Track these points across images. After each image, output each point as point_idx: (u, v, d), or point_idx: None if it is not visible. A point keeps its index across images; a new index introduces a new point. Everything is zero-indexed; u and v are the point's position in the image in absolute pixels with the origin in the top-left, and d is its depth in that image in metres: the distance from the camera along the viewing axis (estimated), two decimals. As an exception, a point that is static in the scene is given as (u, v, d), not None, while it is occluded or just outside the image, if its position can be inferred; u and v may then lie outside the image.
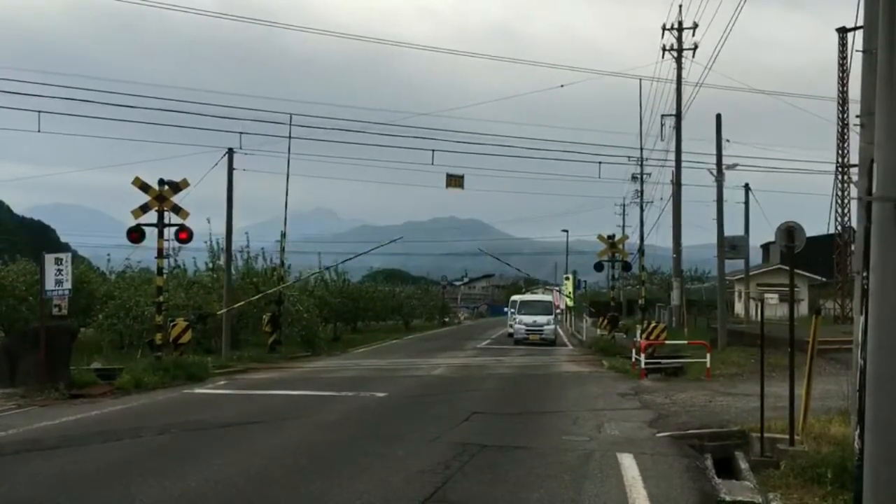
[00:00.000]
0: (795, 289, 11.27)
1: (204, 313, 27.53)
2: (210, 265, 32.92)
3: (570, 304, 58.09)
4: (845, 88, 37.72)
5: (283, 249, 31.09)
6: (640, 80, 30.73)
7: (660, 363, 20.47)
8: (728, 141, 29.94)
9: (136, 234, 20.24)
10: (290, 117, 29.01)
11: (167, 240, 20.70)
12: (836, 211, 39.66)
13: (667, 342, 23.78)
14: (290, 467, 8.68)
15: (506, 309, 55.35)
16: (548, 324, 38.05)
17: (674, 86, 34.24)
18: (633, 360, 21.31)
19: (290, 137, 28.86)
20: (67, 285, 16.64)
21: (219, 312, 27.07)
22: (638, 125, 36.90)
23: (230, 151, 28.44)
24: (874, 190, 5.45)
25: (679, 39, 33.95)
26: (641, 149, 39.77)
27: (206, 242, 32.05)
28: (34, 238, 61.11)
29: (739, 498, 7.38)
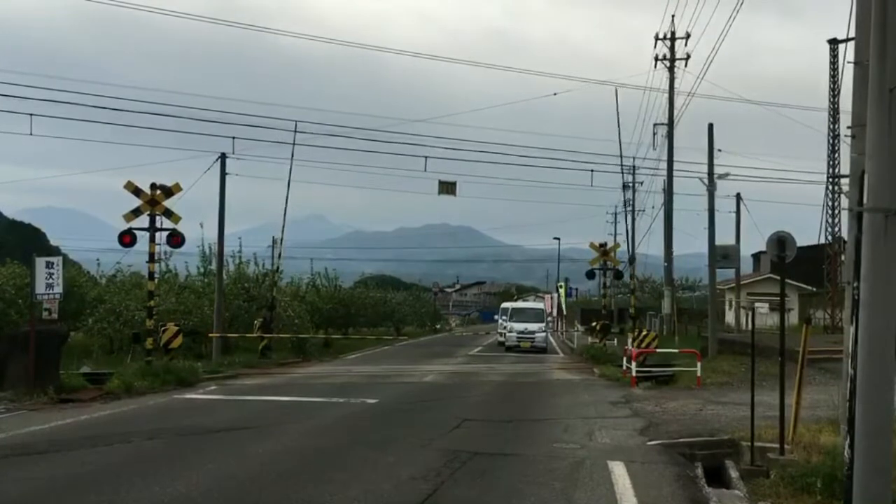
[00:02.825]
0: (786, 298, 11.32)
1: (196, 330, 27.51)
2: (201, 270, 32.86)
3: (565, 312, 58.37)
4: (836, 99, 37.93)
5: (280, 255, 31.14)
6: (617, 88, 30.20)
7: (651, 371, 20.51)
8: (720, 150, 30.04)
9: (127, 238, 20.19)
10: (296, 125, 29.06)
11: (159, 244, 20.65)
12: (827, 221, 39.84)
13: (658, 350, 23.82)
14: (281, 473, 8.66)
15: (496, 316, 55.35)
16: (539, 331, 38.09)
17: (666, 95, 34.35)
18: (625, 368, 21.34)
19: (294, 144, 28.86)
20: (59, 289, 16.57)
21: (211, 335, 27.07)
22: (632, 134, 37.08)
23: (223, 156, 28.44)
24: (865, 201, 5.49)
25: (671, 49, 34.04)
26: (631, 158, 39.92)
27: (198, 247, 32.07)
28: (24, 241, 60.65)
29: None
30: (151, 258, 20.52)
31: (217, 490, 7.83)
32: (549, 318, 52.64)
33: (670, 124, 33.56)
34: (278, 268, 31.60)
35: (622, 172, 47.56)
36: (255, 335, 28.40)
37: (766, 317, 43.82)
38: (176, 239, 20.48)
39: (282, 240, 30.44)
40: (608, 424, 12.63)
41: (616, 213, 66.05)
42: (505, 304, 48.17)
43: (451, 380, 21.71)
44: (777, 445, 9.12)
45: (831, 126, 38.48)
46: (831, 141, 38.40)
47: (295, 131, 28.81)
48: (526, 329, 37.81)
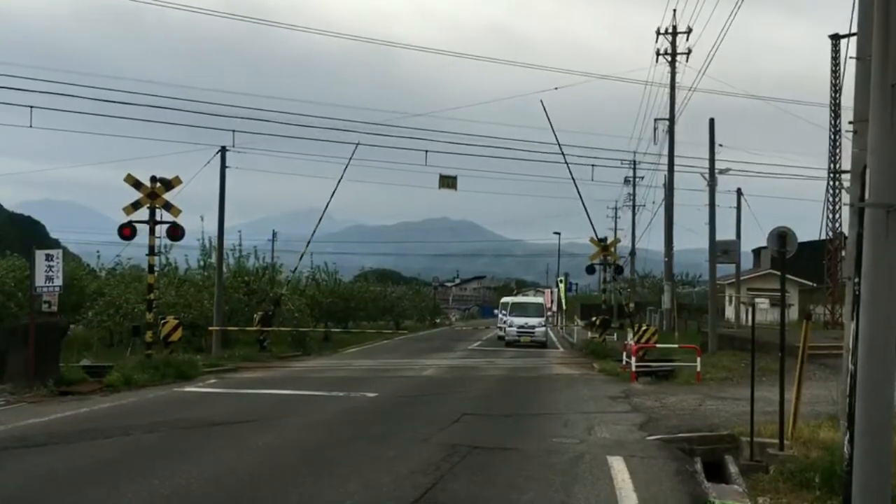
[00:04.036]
0: (786, 294, 11.31)
1: (196, 323, 27.59)
2: (201, 263, 32.88)
3: (565, 307, 58.42)
4: (838, 95, 37.86)
5: (301, 256, 31.58)
6: (543, 101, 29.44)
7: (650, 366, 20.50)
8: (721, 146, 30.03)
9: (127, 231, 20.18)
10: (356, 146, 29.54)
11: (159, 237, 20.65)
12: (828, 216, 39.83)
13: (657, 346, 23.83)
14: (280, 467, 8.66)
15: (496, 311, 55.38)
16: (539, 326, 38.11)
17: (668, 89, 34.31)
18: (624, 363, 21.34)
19: (357, 144, 29.44)
20: (58, 282, 16.56)
21: (210, 328, 27.13)
22: (632, 128, 37.04)
23: (223, 150, 28.42)
24: (866, 196, 5.47)
25: (673, 44, 34.01)
26: (634, 156, 39.88)
27: (198, 240, 32.10)
28: (23, 234, 60.69)
29: (729, 502, 7.39)
30: (151, 251, 20.52)
31: (216, 483, 7.83)
32: (549, 313, 52.66)
33: (671, 119, 33.54)
34: (295, 269, 32.08)
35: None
36: (254, 328, 28.44)
37: (766, 312, 43.85)
38: (175, 232, 20.48)
39: (308, 243, 30.91)
40: (607, 419, 12.63)
41: (617, 209, 66.01)
42: (505, 299, 48.16)
43: (450, 374, 21.72)
44: (776, 441, 9.11)
45: (833, 122, 38.43)
46: (833, 136, 38.36)
47: (358, 133, 29.38)
48: (526, 324, 37.84)
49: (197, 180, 23.88)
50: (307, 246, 31.41)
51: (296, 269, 32.51)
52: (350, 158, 29.63)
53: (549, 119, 28.62)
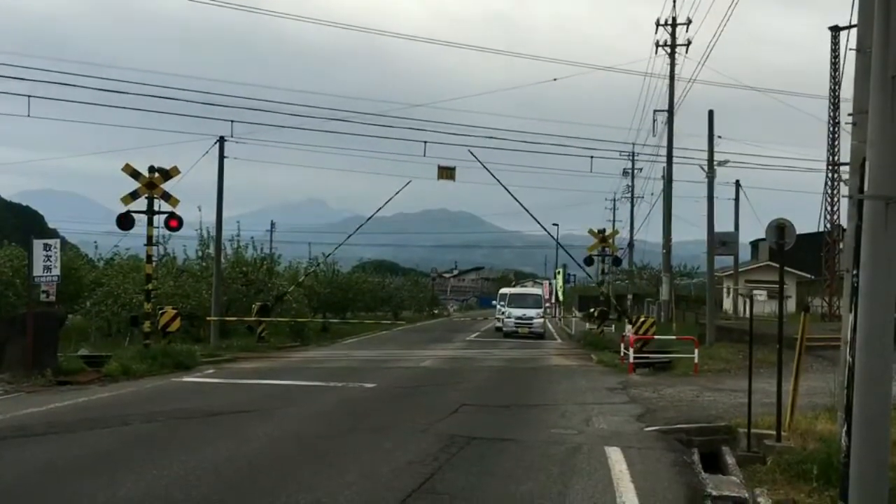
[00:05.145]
0: (784, 286, 11.32)
1: (194, 314, 27.57)
2: (200, 253, 32.83)
3: (562, 298, 58.45)
4: (837, 87, 37.86)
5: (319, 262, 31.76)
6: (472, 151, 29.32)
7: (648, 358, 20.54)
8: (720, 137, 29.95)
9: (125, 221, 20.16)
10: (409, 181, 29.29)
11: (157, 227, 20.62)
12: (826, 209, 39.85)
13: (655, 337, 23.86)
14: (279, 457, 8.67)
15: (494, 302, 55.41)
16: (537, 317, 38.18)
17: (667, 81, 34.24)
18: (622, 354, 21.38)
19: (409, 180, 29.56)
20: (56, 271, 16.56)
21: (208, 319, 27.11)
22: (631, 119, 37.05)
23: (221, 139, 28.34)
24: (866, 188, 5.47)
25: (672, 35, 33.93)
26: (631, 144, 39.82)
27: (196, 231, 32.02)
28: (22, 223, 60.51)
29: (726, 493, 7.41)
30: (149, 241, 20.50)
31: (215, 473, 7.83)
32: (548, 305, 52.70)
33: (670, 111, 33.49)
34: (313, 268, 32.35)
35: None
36: (252, 319, 28.42)
37: (763, 304, 43.87)
38: (173, 222, 20.44)
39: (338, 246, 31.45)
40: (605, 410, 12.66)
41: (615, 200, 65.95)
42: (503, 290, 48.19)
43: (448, 365, 21.74)
44: (774, 432, 9.13)
45: (832, 113, 38.42)
46: (832, 128, 38.35)
47: (407, 183, 29.45)
48: (524, 315, 37.91)
49: (195, 171, 23.84)
50: (337, 247, 32.23)
51: (309, 268, 32.79)
52: (398, 191, 29.74)
53: (480, 161, 29.17)
